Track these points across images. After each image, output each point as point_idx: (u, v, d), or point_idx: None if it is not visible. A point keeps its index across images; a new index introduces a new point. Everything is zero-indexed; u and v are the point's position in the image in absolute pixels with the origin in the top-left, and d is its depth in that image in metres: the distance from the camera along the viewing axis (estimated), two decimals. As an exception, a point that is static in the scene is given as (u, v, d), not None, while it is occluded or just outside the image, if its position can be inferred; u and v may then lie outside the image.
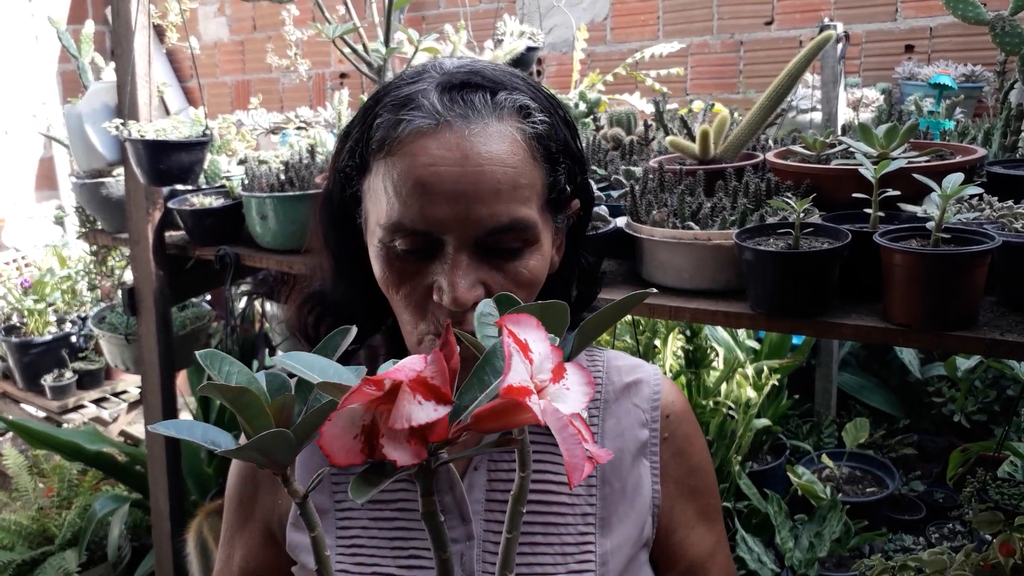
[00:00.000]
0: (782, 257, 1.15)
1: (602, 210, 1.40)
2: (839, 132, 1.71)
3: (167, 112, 3.90)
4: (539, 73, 4.15)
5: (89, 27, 2.04)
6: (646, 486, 0.88)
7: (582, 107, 1.96)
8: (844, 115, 2.78)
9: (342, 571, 0.83)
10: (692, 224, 1.32)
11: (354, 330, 0.57)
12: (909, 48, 3.41)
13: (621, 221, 1.43)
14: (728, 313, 1.23)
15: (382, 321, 0.92)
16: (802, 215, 1.20)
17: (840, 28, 2.75)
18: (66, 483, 2.94)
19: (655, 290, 0.63)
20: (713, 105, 2.04)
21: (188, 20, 5.19)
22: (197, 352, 0.53)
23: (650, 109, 2.01)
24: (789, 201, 1.18)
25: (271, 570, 0.92)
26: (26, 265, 4.23)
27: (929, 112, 2.39)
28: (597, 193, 1.40)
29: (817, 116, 2.92)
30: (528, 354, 0.43)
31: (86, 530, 2.64)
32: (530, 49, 2.69)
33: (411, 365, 0.42)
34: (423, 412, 0.42)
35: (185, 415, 3.13)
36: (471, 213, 0.73)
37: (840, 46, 2.76)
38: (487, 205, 0.74)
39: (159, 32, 5.07)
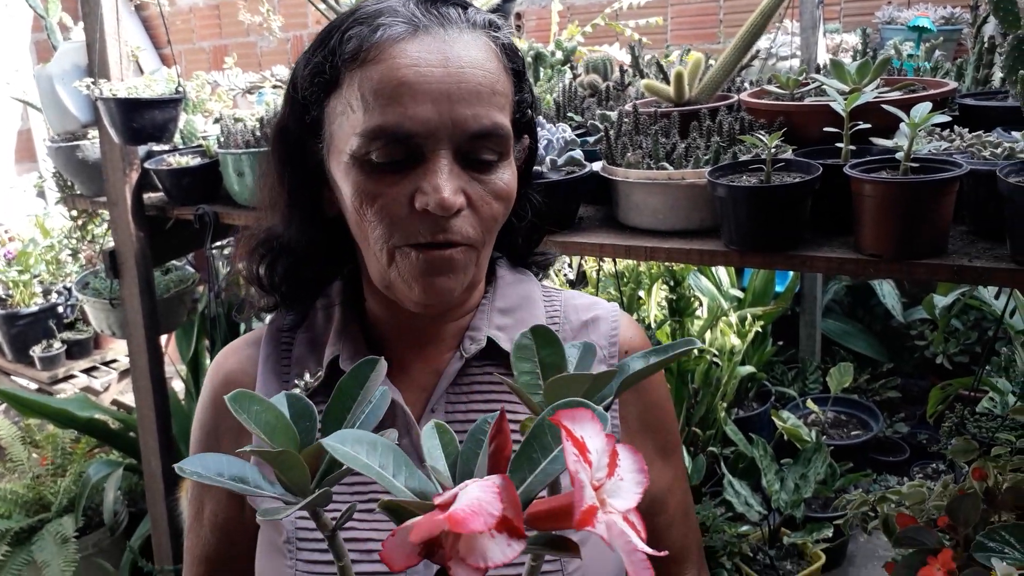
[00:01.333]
0: (754, 192, 1.15)
1: (577, 154, 1.40)
2: (815, 70, 1.71)
3: (174, 64, 3.86)
4: (519, 28, 4.11)
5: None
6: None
7: (559, 55, 1.95)
8: (823, 61, 2.77)
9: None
10: (666, 165, 1.32)
11: (384, 364, 0.57)
12: (890, -8, 3.39)
13: (597, 166, 1.44)
14: (702, 251, 1.24)
15: (340, 267, 0.92)
16: (774, 151, 1.21)
17: (819, -27, 2.73)
18: (60, 451, 2.95)
19: (698, 343, 0.60)
20: (689, 50, 2.03)
21: (162, -16, 5.09)
22: (226, 397, 0.54)
23: (629, 59, 2.00)
24: (761, 137, 1.18)
25: (239, 522, 0.93)
26: (9, 239, 4.20)
27: (909, 56, 2.39)
28: (570, 138, 1.40)
29: (796, 63, 2.91)
30: (587, 456, 0.41)
31: (81, 496, 2.66)
32: (506, 1, 2.66)
33: (487, 507, 0.40)
34: (499, 551, 0.40)
35: (177, 383, 3.14)
36: (455, 113, 0.73)
37: (819, -9, 2.75)
38: (470, 106, 0.74)
39: (133, -1, 5.01)
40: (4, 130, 5.17)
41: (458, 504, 0.41)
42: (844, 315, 3.36)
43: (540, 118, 1.42)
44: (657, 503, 0.94)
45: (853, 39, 3.01)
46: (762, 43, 2.92)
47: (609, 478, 0.42)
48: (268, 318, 0.96)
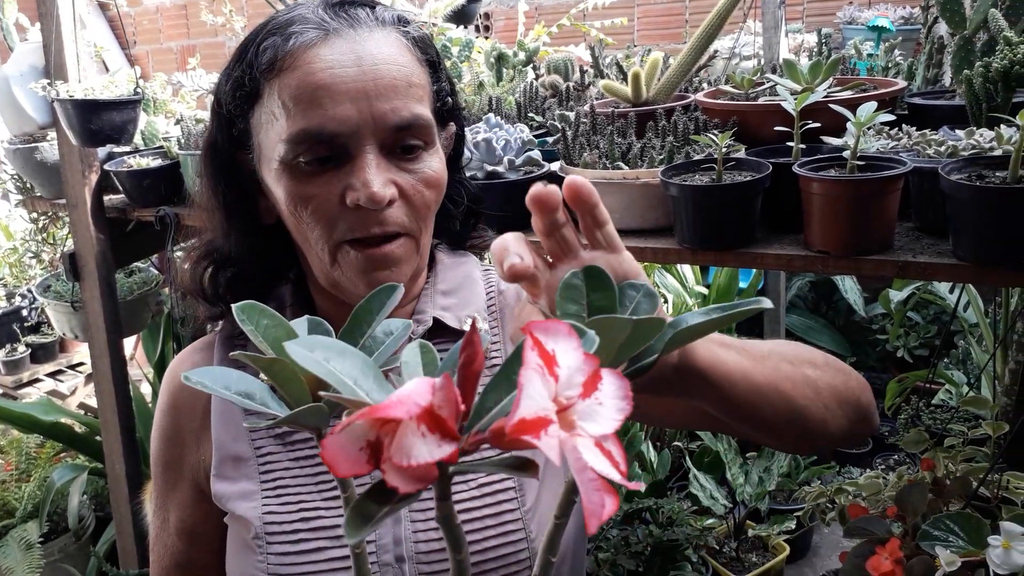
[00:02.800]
0: (705, 191, 1.17)
1: (535, 154, 1.41)
2: (771, 69, 1.74)
3: (132, 65, 3.81)
4: (486, 28, 4.12)
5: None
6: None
7: (521, 56, 1.96)
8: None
9: (269, 512, 0.83)
10: (621, 164, 1.34)
11: (402, 289, 0.55)
12: (852, -8, 3.44)
13: (556, 166, 1.45)
14: (656, 249, 1.26)
15: (285, 271, 0.93)
16: (726, 150, 1.23)
17: (780, -28, 2.76)
18: (24, 456, 2.91)
19: (769, 303, 0.52)
20: (650, 51, 2.05)
21: (126, -17, 5.03)
22: (233, 305, 0.51)
23: (599, 53, 2.01)
24: (712, 137, 1.20)
25: (207, 526, 0.93)
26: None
27: (868, 55, 2.43)
28: (528, 138, 1.41)
29: (759, 63, 2.95)
30: (553, 369, 0.38)
31: (46, 501, 2.62)
32: (471, 2, 2.67)
33: (415, 396, 0.38)
34: (425, 449, 0.37)
35: (144, 387, 3.11)
36: (374, 110, 0.76)
37: (781, -9, 2.79)
38: (388, 101, 0.77)
39: (98, -2, 4.94)
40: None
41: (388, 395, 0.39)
42: (808, 310, 3.41)
43: (498, 118, 1.43)
44: None
45: (815, 39, 3.06)
46: (725, 43, 2.96)
47: (583, 399, 0.39)
48: (218, 326, 0.97)
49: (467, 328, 0.86)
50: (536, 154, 1.42)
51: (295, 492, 0.84)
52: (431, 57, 0.85)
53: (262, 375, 0.49)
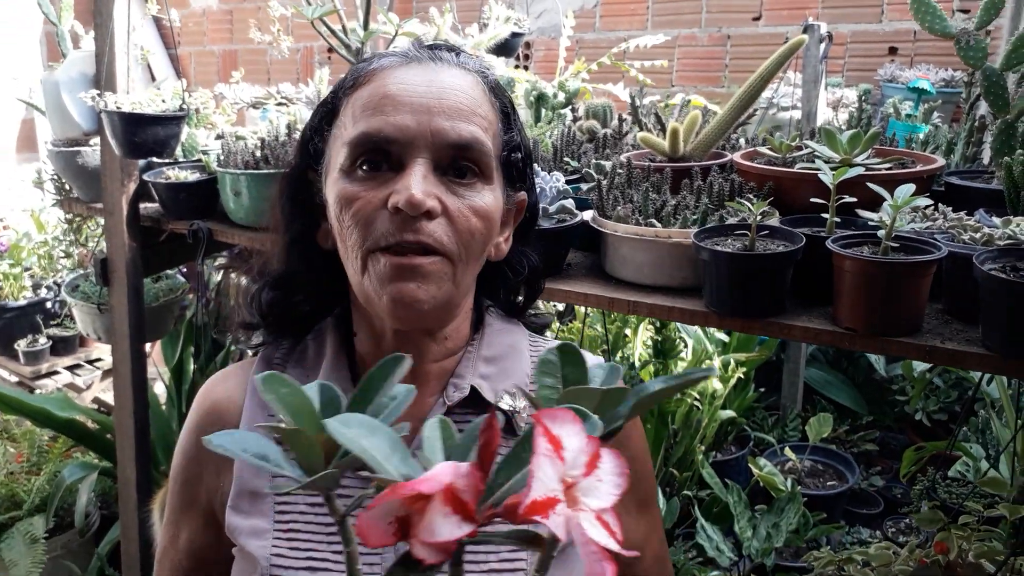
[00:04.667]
0: (736, 258, 1.17)
1: (569, 203, 1.42)
2: (810, 134, 1.74)
3: (153, 79, 3.87)
4: (527, 57, 4.16)
5: (47, -5, 2.02)
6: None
7: (560, 97, 1.97)
8: (823, 114, 2.81)
9: (278, 555, 0.83)
10: (654, 221, 1.35)
11: (409, 360, 0.58)
12: (893, 50, 3.43)
13: (588, 215, 1.46)
14: (683, 310, 1.26)
15: (333, 303, 0.93)
16: (760, 217, 1.23)
17: (824, 28, 2.77)
18: (36, 449, 2.94)
19: (716, 371, 0.61)
20: (689, 100, 2.06)
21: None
22: (256, 376, 0.56)
23: (640, 101, 2.02)
24: (746, 203, 1.21)
25: (215, 550, 0.93)
26: (4, 228, 4.20)
27: (907, 116, 2.42)
28: (562, 187, 1.43)
29: (797, 114, 2.95)
30: (560, 453, 0.43)
31: (54, 496, 2.65)
32: (515, 35, 2.69)
33: (441, 476, 0.44)
34: (447, 528, 0.43)
35: (159, 386, 3.14)
36: (433, 124, 0.79)
37: (823, 46, 2.79)
38: (449, 119, 0.79)
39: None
40: (8, 121, 5.18)
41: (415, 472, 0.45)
42: (828, 365, 3.39)
43: (535, 165, 1.44)
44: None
45: (854, 94, 3.06)
46: (764, 93, 2.96)
47: (586, 477, 0.44)
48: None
49: (502, 405, 0.86)
50: (570, 203, 1.42)
51: (306, 538, 0.84)
52: (505, 107, 0.88)
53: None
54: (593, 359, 0.96)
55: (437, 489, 0.43)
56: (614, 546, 0.43)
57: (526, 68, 4.07)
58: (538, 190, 1.37)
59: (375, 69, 0.83)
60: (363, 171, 0.80)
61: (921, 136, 1.64)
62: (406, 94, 0.79)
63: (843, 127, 1.79)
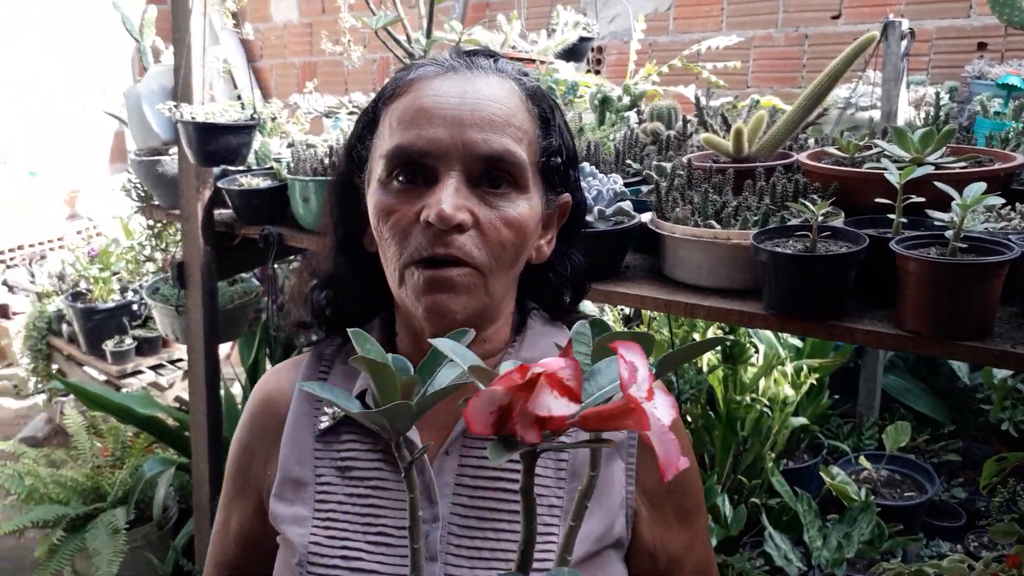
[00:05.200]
0: (796, 259, 1.15)
1: (626, 206, 1.41)
2: (882, 133, 1.69)
3: (250, 88, 4.01)
4: (598, 62, 4.14)
5: (152, 12, 2.12)
6: (617, 487, 0.89)
7: (625, 100, 1.96)
8: (904, 114, 2.72)
9: (315, 543, 0.85)
10: (713, 223, 1.33)
11: (472, 332, 0.64)
12: (982, 46, 3.29)
13: (647, 217, 1.45)
14: (742, 312, 1.24)
15: (378, 308, 0.95)
16: (823, 217, 1.21)
17: (905, 24, 2.68)
18: (120, 444, 3.07)
19: (732, 338, 0.70)
20: (758, 101, 2.03)
21: (259, 1, 5.28)
22: (349, 330, 0.62)
23: (706, 102, 1.99)
24: (807, 204, 1.18)
25: (263, 537, 0.96)
26: (97, 234, 4.41)
27: (996, 113, 2.33)
28: (620, 189, 1.42)
29: (877, 114, 2.86)
30: (635, 375, 0.50)
31: (134, 490, 2.76)
32: (583, 39, 2.69)
33: (554, 362, 0.50)
34: (558, 406, 0.49)
35: (236, 387, 3.24)
36: (466, 137, 0.80)
37: (904, 43, 2.70)
38: (481, 131, 0.80)
39: (233, 14, 5.21)
40: (103, 133, 5.44)
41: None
42: (908, 372, 3.27)
43: (592, 167, 1.44)
44: (674, 562, 0.95)
45: (941, 92, 2.94)
46: (841, 92, 2.88)
47: (647, 401, 0.50)
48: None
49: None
50: (627, 205, 1.42)
51: (342, 527, 0.86)
52: (543, 112, 0.88)
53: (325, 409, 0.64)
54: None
55: (554, 370, 0.49)
56: (677, 450, 0.50)
57: (598, 72, 4.07)
58: (595, 192, 1.37)
59: (412, 80, 0.84)
60: (399, 183, 0.82)
61: (1002, 134, 1.58)
62: (440, 106, 0.81)
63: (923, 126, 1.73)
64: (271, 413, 0.96)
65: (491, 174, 0.81)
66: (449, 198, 0.78)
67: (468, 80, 0.83)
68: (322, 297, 0.95)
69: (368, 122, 0.88)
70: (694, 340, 2.71)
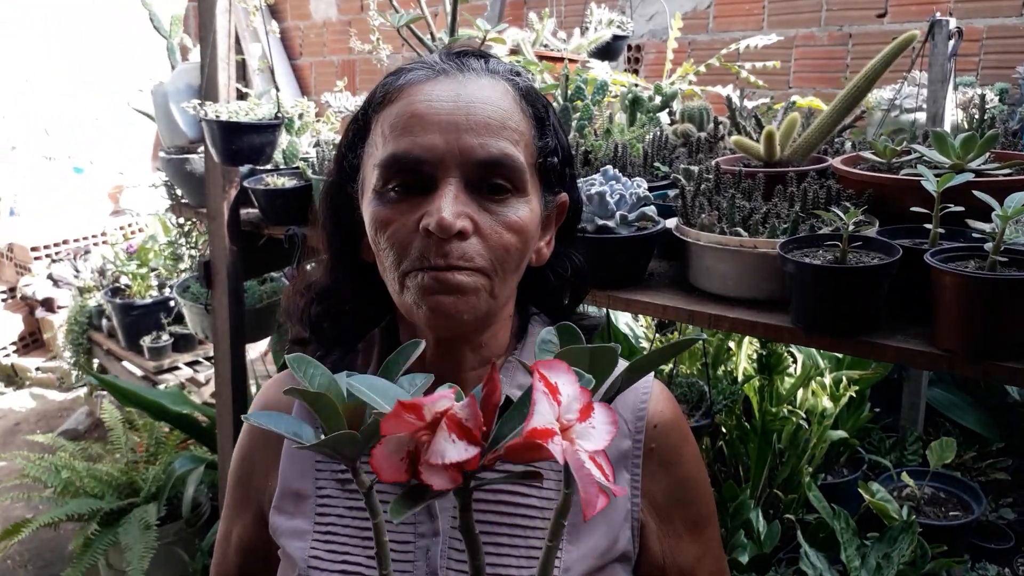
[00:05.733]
0: (824, 271, 1.09)
1: (650, 210, 1.36)
2: (923, 137, 1.61)
3: (277, 89, 4.03)
4: (637, 60, 4.08)
5: (179, 9, 2.12)
6: (621, 499, 0.87)
7: (656, 100, 1.91)
8: (951, 116, 2.61)
9: (315, 556, 0.84)
10: (740, 230, 1.27)
11: (423, 344, 0.63)
12: (1036, 46, 3.17)
13: (671, 222, 1.39)
14: (768, 325, 1.18)
15: (379, 316, 0.93)
16: (856, 226, 1.14)
17: (952, 23, 2.58)
18: (155, 439, 3.10)
19: (704, 336, 0.71)
20: (795, 102, 1.96)
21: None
22: (287, 356, 0.61)
23: (739, 103, 1.93)
24: (837, 212, 1.12)
25: (263, 549, 0.95)
26: (139, 230, 4.48)
27: (1047, 117, 2.22)
28: (643, 193, 1.37)
29: (922, 116, 2.76)
30: (557, 396, 0.48)
31: (165, 486, 2.78)
32: (617, 38, 2.64)
33: (440, 399, 0.49)
34: (455, 451, 0.47)
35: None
36: (462, 142, 0.77)
37: (952, 42, 2.59)
38: (477, 136, 0.78)
39: (272, 12, 5.25)
40: (145, 130, 5.53)
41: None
42: (954, 385, 3.15)
43: (616, 171, 1.39)
44: (686, 574, 0.92)
45: (989, 95, 2.83)
46: (885, 94, 2.79)
47: (580, 422, 0.49)
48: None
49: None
50: (651, 210, 1.36)
51: (343, 542, 0.85)
52: (538, 112, 0.85)
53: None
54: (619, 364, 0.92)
55: (440, 408, 0.48)
56: (604, 481, 0.47)
57: (636, 72, 4.00)
58: (617, 196, 1.32)
59: (403, 85, 0.81)
60: (395, 192, 0.79)
61: (1051, 139, 1.49)
62: (433, 112, 0.78)
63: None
64: None
65: (489, 179, 0.79)
66: (449, 206, 0.75)
67: (460, 83, 0.80)
68: (319, 310, 0.92)
69: (359, 130, 0.85)
70: (729, 349, 2.64)
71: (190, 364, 3.76)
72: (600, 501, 0.47)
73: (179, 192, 2.28)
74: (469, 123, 0.77)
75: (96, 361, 4.11)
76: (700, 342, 2.56)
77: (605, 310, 2.33)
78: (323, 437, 0.56)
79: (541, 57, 2.20)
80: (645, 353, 0.59)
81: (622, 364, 0.88)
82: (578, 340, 0.61)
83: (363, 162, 0.85)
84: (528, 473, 0.54)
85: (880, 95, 2.73)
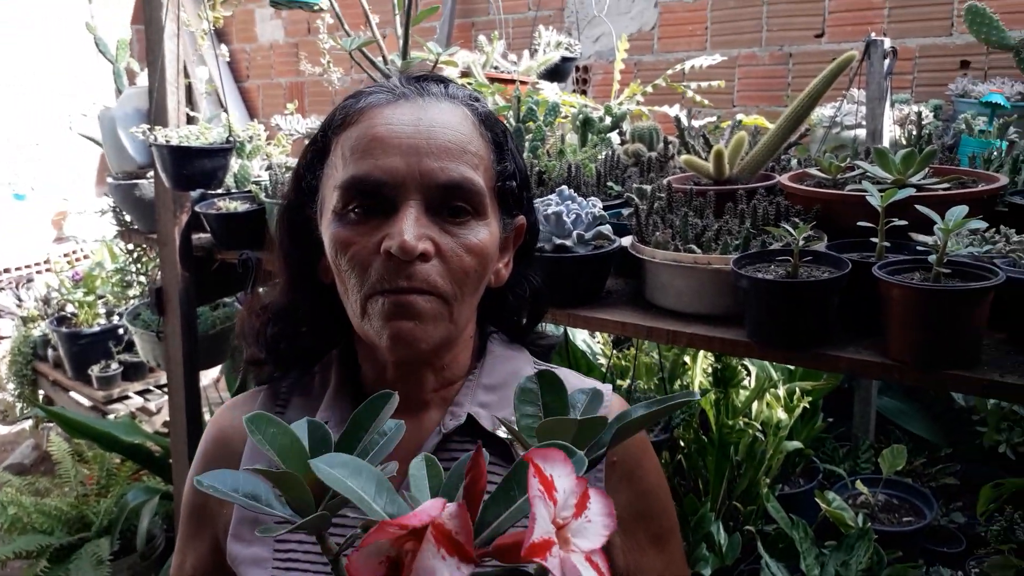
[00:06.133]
0: (776, 285, 1.11)
1: (606, 229, 1.38)
2: (865, 153, 1.66)
3: (225, 112, 4.00)
4: (585, 81, 4.13)
5: (125, 33, 2.10)
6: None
7: (607, 121, 1.93)
8: (890, 132, 2.70)
9: None
10: (694, 247, 1.29)
11: (395, 398, 0.60)
12: (965, 64, 3.29)
13: (627, 241, 1.41)
14: (724, 340, 1.21)
15: (337, 336, 0.92)
16: (805, 241, 1.17)
17: (887, 43, 2.66)
18: (106, 471, 3.02)
19: (698, 395, 0.65)
20: (740, 122, 2.00)
21: (245, 22, 5.29)
22: (244, 417, 0.56)
23: (687, 123, 1.97)
24: (788, 228, 1.15)
25: None
26: (85, 257, 4.38)
27: (980, 131, 2.30)
28: (598, 213, 1.38)
29: (862, 133, 2.84)
30: (553, 494, 0.44)
31: (118, 519, 2.71)
32: (566, 59, 2.68)
33: (429, 510, 0.44)
34: (446, 571, 0.43)
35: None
36: (423, 165, 0.78)
37: (887, 61, 2.68)
38: (438, 159, 0.78)
39: (219, 35, 5.20)
40: (89, 155, 5.41)
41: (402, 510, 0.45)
42: (902, 394, 3.22)
43: (571, 191, 1.41)
44: None
45: (925, 111, 2.92)
46: (827, 111, 2.87)
47: (576, 518, 0.45)
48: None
49: (500, 433, 0.83)
50: (607, 229, 1.38)
51: (304, 569, 0.83)
52: (497, 137, 0.86)
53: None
54: (580, 383, 0.93)
55: (425, 522, 0.43)
56: None
57: (584, 92, 4.05)
58: (573, 216, 1.34)
59: (363, 108, 0.82)
60: (356, 214, 0.79)
61: (985, 154, 1.55)
62: (394, 135, 0.78)
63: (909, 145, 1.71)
64: (226, 450, 0.93)
65: (450, 202, 0.80)
66: (410, 228, 0.76)
67: (421, 107, 0.81)
68: (275, 331, 0.91)
69: (318, 151, 0.86)
70: (684, 363, 2.67)
71: (141, 393, 3.67)
72: None
73: (128, 218, 2.24)
74: (430, 147, 0.78)
75: (42, 392, 4.00)
76: (657, 354, 2.59)
77: (563, 328, 2.34)
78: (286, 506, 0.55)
79: (492, 79, 2.22)
80: (638, 416, 0.56)
81: (608, 402, 0.89)
82: (560, 391, 0.59)
83: (322, 183, 0.85)
84: (520, 574, 0.50)
85: (821, 113, 2.80)
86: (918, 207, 1.08)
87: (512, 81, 2.17)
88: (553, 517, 0.44)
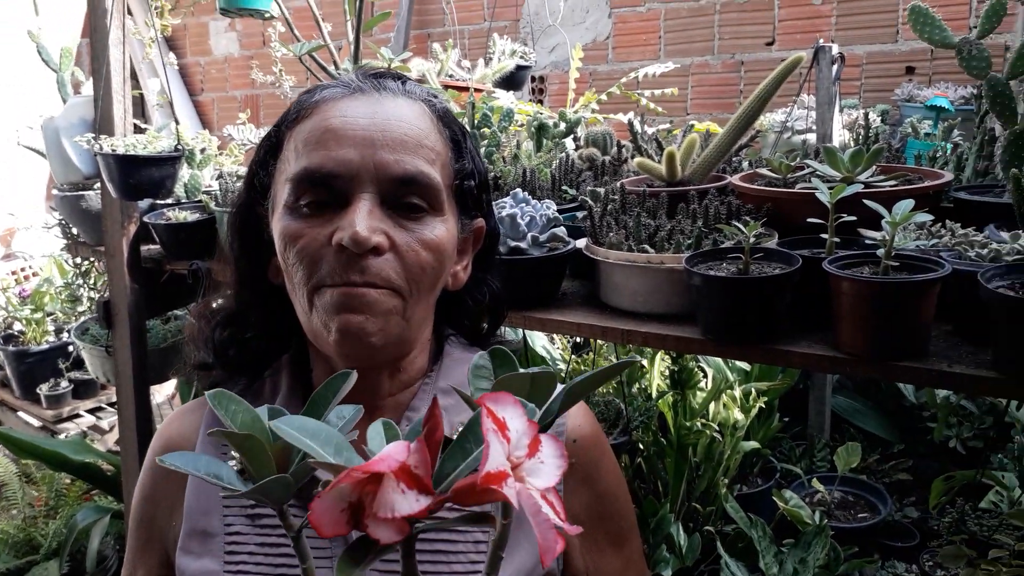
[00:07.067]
0: (729, 282, 1.13)
1: (560, 231, 1.38)
2: (814, 154, 1.69)
3: (176, 122, 3.94)
4: (541, 91, 4.15)
5: (71, 44, 2.06)
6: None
7: (561, 127, 1.94)
8: (839, 136, 2.76)
9: None
10: (647, 247, 1.30)
11: (354, 375, 0.59)
12: (910, 70, 3.38)
13: (582, 242, 1.42)
14: (679, 338, 1.21)
15: (288, 340, 0.91)
16: (756, 239, 1.18)
17: (834, 49, 2.73)
18: (55, 492, 2.94)
19: (638, 359, 0.67)
20: (693, 126, 2.02)
21: (199, 35, 5.23)
22: (207, 392, 0.57)
23: (640, 128, 1.98)
24: (739, 225, 1.16)
25: None
26: (34, 274, 4.27)
27: (926, 135, 2.36)
28: (552, 215, 1.39)
29: (812, 137, 2.90)
30: (506, 432, 0.45)
31: (67, 541, 2.63)
32: (521, 68, 2.69)
33: (394, 454, 0.45)
34: (406, 503, 0.44)
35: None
36: (377, 158, 0.76)
37: (835, 67, 2.74)
38: (393, 152, 0.77)
39: (171, 47, 5.13)
40: (37, 168, 5.28)
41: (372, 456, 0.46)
42: (856, 392, 3.28)
43: (526, 194, 1.41)
44: None
45: (872, 115, 2.99)
46: (777, 116, 2.92)
47: (529, 458, 0.46)
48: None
49: (455, 437, 0.83)
50: (561, 231, 1.39)
51: None
52: (455, 135, 0.85)
53: (233, 453, 0.55)
54: (535, 369, 0.92)
55: (393, 468, 0.44)
56: (559, 522, 0.45)
57: (540, 102, 4.07)
58: (528, 219, 1.34)
59: (318, 101, 0.80)
60: (307, 208, 0.78)
61: (930, 152, 1.58)
62: (349, 127, 0.77)
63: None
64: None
65: (405, 197, 0.78)
66: (363, 220, 0.74)
67: (377, 101, 0.80)
68: (225, 335, 0.89)
69: (271, 147, 0.84)
70: (642, 367, 2.69)
71: (92, 411, 3.58)
72: (558, 545, 0.44)
73: (75, 231, 2.19)
74: (385, 139, 0.77)
75: (-13, 413, 3.88)
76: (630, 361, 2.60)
77: (522, 332, 2.34)
78: (245, 478, 0.53)
79: (447, 87, 2.21)
80: (584, 376, 0.56)
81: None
82: (512, 365, 0.60)
83: (274, 179, 0.83)
84: (481, 516, 0.50)
85: (772, 118, 2.85)
86: (866, 203, 1.09)
87: (467, 88, 2.17)
88: (508, 454, 0.45)
